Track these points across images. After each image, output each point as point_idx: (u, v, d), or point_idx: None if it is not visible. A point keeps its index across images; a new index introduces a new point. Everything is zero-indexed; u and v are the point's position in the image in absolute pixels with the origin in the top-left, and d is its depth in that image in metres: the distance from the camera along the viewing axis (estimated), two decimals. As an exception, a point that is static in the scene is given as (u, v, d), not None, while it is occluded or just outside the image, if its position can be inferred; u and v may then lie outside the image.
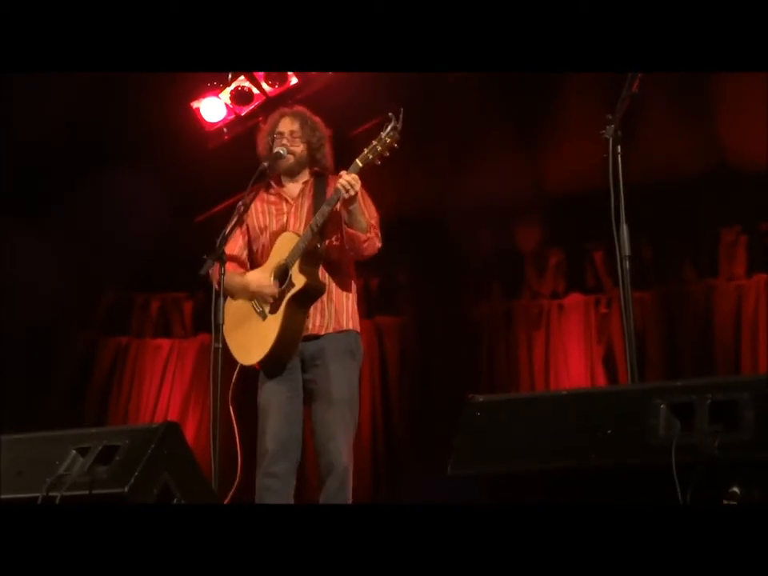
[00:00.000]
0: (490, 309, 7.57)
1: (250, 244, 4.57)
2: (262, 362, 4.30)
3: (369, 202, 4.45)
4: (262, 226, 4.53)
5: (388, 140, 4.15)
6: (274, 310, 4.30)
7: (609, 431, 2.78)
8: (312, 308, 4.33)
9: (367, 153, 4.19)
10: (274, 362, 4.29)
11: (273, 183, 4.60)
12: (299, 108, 4.71)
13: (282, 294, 4.28)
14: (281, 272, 4.33)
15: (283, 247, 4.37)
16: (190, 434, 7.45)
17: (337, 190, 4.18)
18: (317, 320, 4.33)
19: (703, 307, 6.89)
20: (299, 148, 4.52)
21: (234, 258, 4.55)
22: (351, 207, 4.19)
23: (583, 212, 6.52)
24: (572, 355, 7.20)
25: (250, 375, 4.47)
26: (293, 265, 4.27)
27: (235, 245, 4.57)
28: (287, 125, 4.56)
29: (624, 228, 3.65)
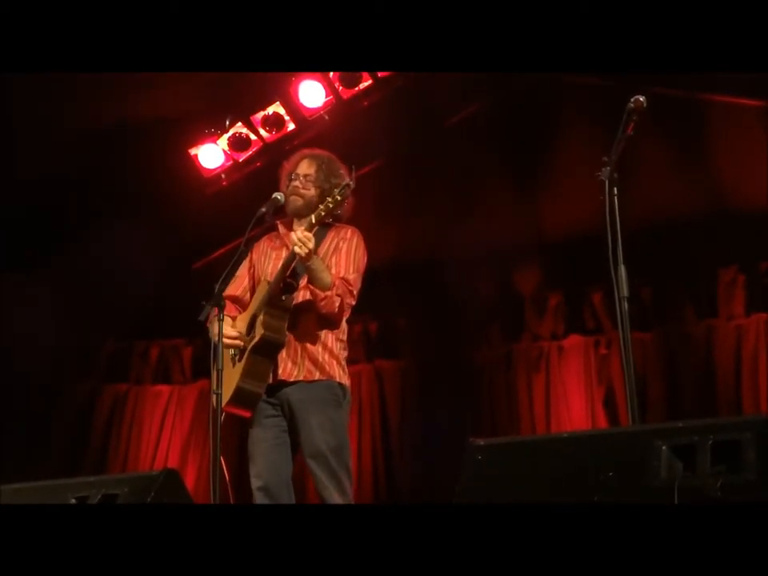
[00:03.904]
0: (490, 351, 7.57)
1: (254, 285, 4.56)
2: (227, 407, 4.30)
3: (351, 257, 4.43)
4: (263, 269, 4.52)
5: (339, 198, 4.15)
6: (240, 359, 4.31)
7: (610, 474, 2.77)
8: (285, 355, 4.31)
9: (321, 210, 4.18)
10: (239, 407, 4.30)
11: (281, 227, 4.60)
12: (320, 151, 4.65)
13: (247, 343, 4.29)
14: (251, 321, 4.35)
15: (259, 295, 4.39)
16: (189, 480, 7.42)
17: (292, 247, 4.19)
18: (288, 367, 4.31)
19: (703, 347, 6.88)
20: (310, 192, 4.48)
21: (236, 300, 4.55)
22: (308, 264, 4.18)
23: (581, 254, 6.53)
24: (572, 397, 7.18)
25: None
26: (259, 315, 4.28)
27: (240, 286, 4.56)
28: (303, 167, 4.54)
29: (622, 269, 3.65)
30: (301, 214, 4.47)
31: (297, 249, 4.12)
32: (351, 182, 4.14)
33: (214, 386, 4.01)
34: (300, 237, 4.12)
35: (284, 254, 4.46)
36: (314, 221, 4.19)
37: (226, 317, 4.40)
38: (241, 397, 4.26)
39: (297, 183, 4.49)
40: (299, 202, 4.48)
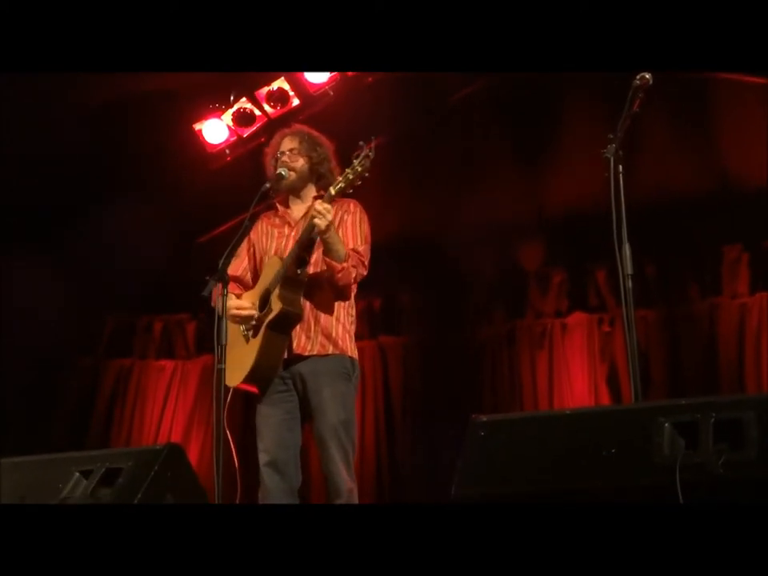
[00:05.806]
0: (494, 328, 7.56)
1: (255, 265, 4.58)
2: (242, 384, 4.31)
3: (357, 229, 4.46)
4: (264, 248, 4.54)
5: (359, 168, 4.14)
6: (255, 334, 4.32)
7: (613, 450, 2.78)
8: (299, 329, 4.33)
9: (340, 182, 4.19)
10: (254, 384, 4.31)
11: (279, 205, 4.61)
12: (298, 126, 4.74)
13: (262, 319, 4.29)
14: (264, 296, 4.35)
15: (269, 271, 4.39)
16: (193, 455, 7.44)
17: (311, 219, 4.20)
18: (302, 341, 4.33)
19: (706, 325, 6.88)
20: (299, 163, 4.53)
21: (237, 279, 4.56)
22: (325, 237, 4.20)
23: (585, 231, 6.53)
24: (575, 374, 7.19)
25: (251, 396, 4.48)
26: (273, 290, 4.29)
27: (240, 265, 4.58)
28: (287, 144, 4.59)
29: (626, 247, 3.65)
30: (296, 188, 4.56)
31: (317, 220, 4.14)
32: (371, 152, 4.14)
33: (218, 362, 4.03)
34: (320, 209, 4.14)
35: (286, 231, 4.51)
36: (333, 193, 4.21)
37: (230, 294, 4.43)
38: (258, 374, 4.28)
39: (285, 158, 4.53)
40: (293, 176, 4.53)
